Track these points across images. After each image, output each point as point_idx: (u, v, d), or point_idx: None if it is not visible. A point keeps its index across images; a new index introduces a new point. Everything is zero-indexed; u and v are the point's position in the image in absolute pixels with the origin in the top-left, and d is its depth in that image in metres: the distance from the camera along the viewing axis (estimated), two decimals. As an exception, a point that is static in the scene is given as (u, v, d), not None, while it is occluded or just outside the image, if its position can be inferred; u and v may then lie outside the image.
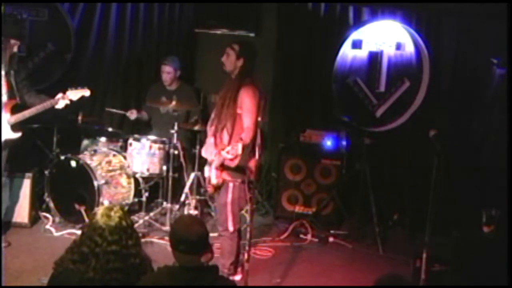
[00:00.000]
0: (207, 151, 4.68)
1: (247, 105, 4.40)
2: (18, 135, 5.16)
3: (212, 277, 2.88)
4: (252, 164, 4.50)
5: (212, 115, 4.72)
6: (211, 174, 4.57)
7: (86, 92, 5.21)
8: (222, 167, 4.50)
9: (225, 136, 4.47)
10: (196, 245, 2.83)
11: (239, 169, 4.50)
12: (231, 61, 4.51)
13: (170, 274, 2.82)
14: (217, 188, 4.62)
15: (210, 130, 4.71)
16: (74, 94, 5.14)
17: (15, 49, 5.15)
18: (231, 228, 4.57)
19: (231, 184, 4.54)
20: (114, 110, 6.44)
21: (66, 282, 2.76)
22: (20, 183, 5.62)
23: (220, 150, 4.27)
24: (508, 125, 5.85)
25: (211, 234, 5.21)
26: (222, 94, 4.62)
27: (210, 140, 4.68)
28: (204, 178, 4.97)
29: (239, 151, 4.08)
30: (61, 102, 5.08)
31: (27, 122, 5.23)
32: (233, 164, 4.42)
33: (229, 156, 4.19)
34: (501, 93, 6.23)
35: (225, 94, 4.55)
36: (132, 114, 6.37)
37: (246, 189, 4.60)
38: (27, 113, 5.08)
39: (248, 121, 4.39)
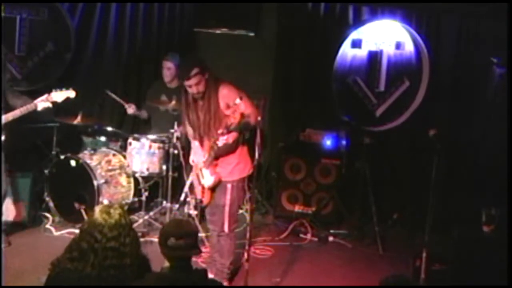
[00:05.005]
0: (197, 154, 4.58)
1: (234, 97, 4.22)
2: (1, 138, 4.94)
3: (200, 280, 2.90)
4: (247, 158, 4.49)
5: (187, 121, 4.58)
6: (204, 178, 4.47)
7: (72, 93, 5.01)
8: (216, 163, 4.42)
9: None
10: (184, 239, 2.86)
11: (235, 166, 4.45)
12: (202, 83, 4.31)
13: (158, 278, 2.85)
14: (213, 190, 4.50)
15: (192, 136, 4.61)
16: (59, 96, 4.96)
17: None
18: (226, 230, 4.51)
19: (229, 185, 4.46)
20: (114, 96, 6.32)
21: (64, 283, 2.76)
22: (20, 182, 5.61)
23: (216, 141, 4.19)
24: (508, 125, 5.85)
25: (201, 234, 5.27)
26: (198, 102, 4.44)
27: (195, 143, 4.60)
28: None
29: (241, 107, 4.05)
30: (40, 104, 4.88)
31: (26, 122, 5.19)
32: (231, 140, 4.27)
33: (224, 141, 4.15)
34: (501, 93, 6.23)
35: (202, 100, 4.39)
36: (131, 108, 6.30)
37: (245, 187, 4.56)
38: (10, 116, 4.85)
39: (247, 106, 4.25)
